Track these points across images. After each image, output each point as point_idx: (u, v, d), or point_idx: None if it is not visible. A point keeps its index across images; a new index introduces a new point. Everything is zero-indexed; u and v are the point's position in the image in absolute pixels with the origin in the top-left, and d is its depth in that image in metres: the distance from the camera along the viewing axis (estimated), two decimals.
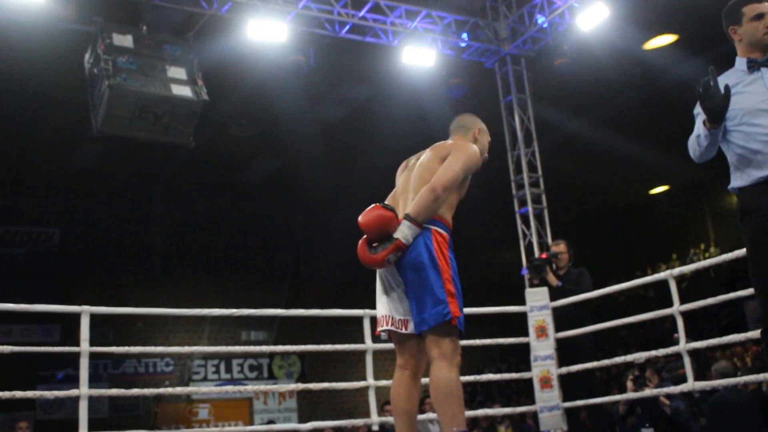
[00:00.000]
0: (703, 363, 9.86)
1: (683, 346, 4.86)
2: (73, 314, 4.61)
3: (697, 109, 2.85)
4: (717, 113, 2.73)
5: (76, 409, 4.37)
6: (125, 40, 6.91)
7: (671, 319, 4.95)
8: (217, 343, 14.44)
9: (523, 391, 13.82)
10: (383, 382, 5.01)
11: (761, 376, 4.61)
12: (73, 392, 4.45)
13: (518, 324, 6.02)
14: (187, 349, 10.66)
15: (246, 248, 15.33)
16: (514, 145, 8.74)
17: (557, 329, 5.73)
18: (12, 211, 13.21)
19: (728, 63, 2.98)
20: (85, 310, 4.54)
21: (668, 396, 6.00)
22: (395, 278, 3.02)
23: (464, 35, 8.78)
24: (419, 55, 8.38)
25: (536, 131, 8.73)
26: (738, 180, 2.85)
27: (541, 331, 5.69)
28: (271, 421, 13.32)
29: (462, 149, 3.11)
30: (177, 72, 7.01)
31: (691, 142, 2.94)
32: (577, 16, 8.19)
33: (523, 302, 5.87)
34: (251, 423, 14.44)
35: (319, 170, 12.46)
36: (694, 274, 12.85)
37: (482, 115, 3.41)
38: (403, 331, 3.02)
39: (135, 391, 4.96)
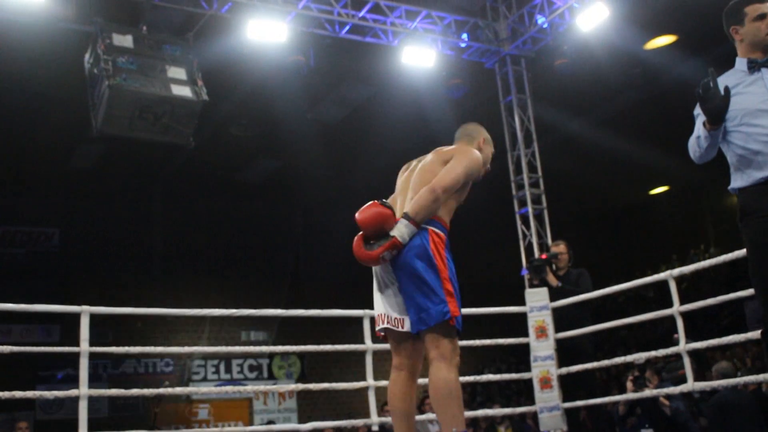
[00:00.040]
0: (703, 363, 9.84)
1: (683, 346, 4.87)
2: (73, 314, 4.62)
3: (697, 110, 2.85)
4: (717, 114, 2.72)
5: (76, 409, 4.38)
6: (125, 41, 6.91)
7: (671, 319, 4.95)
8: (216, 343, 14.44)
9: (523, 392, 13.82)
10: (383, 383, 4.99)
11: (761, 377, 4.62)
12: (72, 392, 4.45)
13: (518, 324, 6.02)
14: (186, 349, 10.66)
15: (246, 248, 15.30)
16: (514, 145, 8.74)
17: (557, 330, 5.74)
18: (12, 211, 13.18)
19: (728, 63, 2.97)
20: (85, 310, 4.55)
21: (668, 396, 6.00)
22: (389, 276, 3.02)
23: (464, 35, 8.78)
24: (419, 56, 8.38)
25: (536, 131, 8.72)
26: (738, 180, 2.85)
27: (541, 332, 5.70)
28: (270, 422, 13.32)
29: (465, 154, 3.11)
30: (177, 72, 7.01)
31: (691, 143, 2.94)
32: (577, 16, 8.18)
33: (523, 303, 5.88)
34: (251, 423, 14.42)
35: (319, 170, 12.45)
36: (694, 274, 12.84)
37: (482, 116, 3.42)
38: (399, 329, 3.01)
39: (135, 392, 4.97)
